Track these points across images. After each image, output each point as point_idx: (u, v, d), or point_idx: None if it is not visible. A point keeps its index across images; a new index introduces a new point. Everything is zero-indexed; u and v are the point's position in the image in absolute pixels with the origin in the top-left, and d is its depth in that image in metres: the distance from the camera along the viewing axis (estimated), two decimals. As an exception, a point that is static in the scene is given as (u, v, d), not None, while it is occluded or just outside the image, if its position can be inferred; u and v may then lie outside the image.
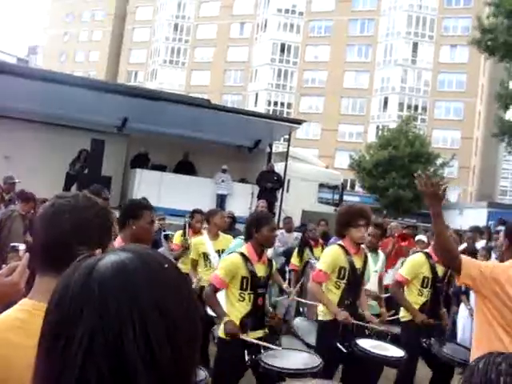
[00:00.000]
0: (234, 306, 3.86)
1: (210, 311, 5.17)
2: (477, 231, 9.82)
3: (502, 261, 3.22)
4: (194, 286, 5.73)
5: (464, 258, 3.02)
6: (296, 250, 7.56)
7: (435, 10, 45.14)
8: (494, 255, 7.34)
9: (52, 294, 0.73)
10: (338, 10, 47.82)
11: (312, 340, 4.53)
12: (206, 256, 5.96)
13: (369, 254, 4.93)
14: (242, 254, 3.90)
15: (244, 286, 3.84)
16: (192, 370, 0.72)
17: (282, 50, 48.72)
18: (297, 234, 9.34)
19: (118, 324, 0.66)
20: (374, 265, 5.51)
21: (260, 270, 3.94)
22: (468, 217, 25.19)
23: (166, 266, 0.74)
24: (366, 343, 4.04)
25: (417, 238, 8.60)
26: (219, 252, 5.93)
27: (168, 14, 53.82)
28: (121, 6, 58.64)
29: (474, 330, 3.14)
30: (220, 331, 3.86)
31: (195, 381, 0.73)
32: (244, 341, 3.71)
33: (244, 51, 50.71)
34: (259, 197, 12.19)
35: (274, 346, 3.77)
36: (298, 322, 5.44)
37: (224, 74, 51.12)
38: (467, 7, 42.76)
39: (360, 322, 4.27)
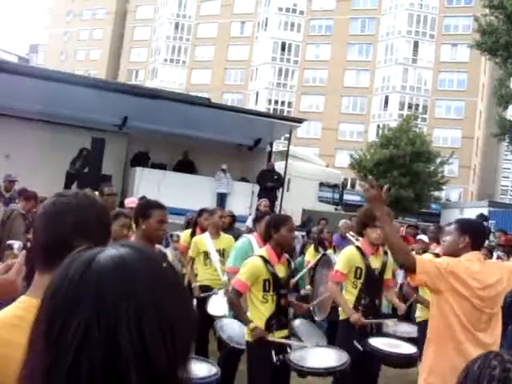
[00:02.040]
0: (257, 308, 3.87)
1: (209, 310, 5.18)
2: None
3: (452, 255, 3.08)
4: (193, 285, 5.76)
5: (417, 256, 3.06)
6: (312, 247, 7.80)
7: (436, 9, 45.07)
8: (495, 254, 7.33)
9: (47, 286, 0.73)
10: (338, 8, 47.78)
11: (312, 342, 4.54)
12: (206, 254, 5.95)
13: None
14: (262, 257, 3.89)
15: (266, 288, 3.86)
16: (183, 368, 0.72)
17: (283, 49, 48.65)
18: (297, 233, 9.31)
19: (113, 317, 0.66)
20: None
21: (281, 271, 3.94)
22: (469, 216, 25.15)
23: (165, 264, 0.75)
24: (377, 341, 4.09)
25: (418, 237, 8.57)
26: (220, 251, 5.93)
27: (169, 12, 53.79)
28: (121, 4, 58.61)
29: (428, 327, 3.15)
30: (247, 335, 3.89)
31: (185, 378, 0.72)
32: (271, 342, 3.75)
33: (245, 50, 50.66)
34: (259, 196, 12.18)
35: (300, 343, 3.89)
36: (298, 323, 5.42)
37: (224, 72, 51.07)
38: (468, 6, 42.66)
39: (375, 320, 4.34)
